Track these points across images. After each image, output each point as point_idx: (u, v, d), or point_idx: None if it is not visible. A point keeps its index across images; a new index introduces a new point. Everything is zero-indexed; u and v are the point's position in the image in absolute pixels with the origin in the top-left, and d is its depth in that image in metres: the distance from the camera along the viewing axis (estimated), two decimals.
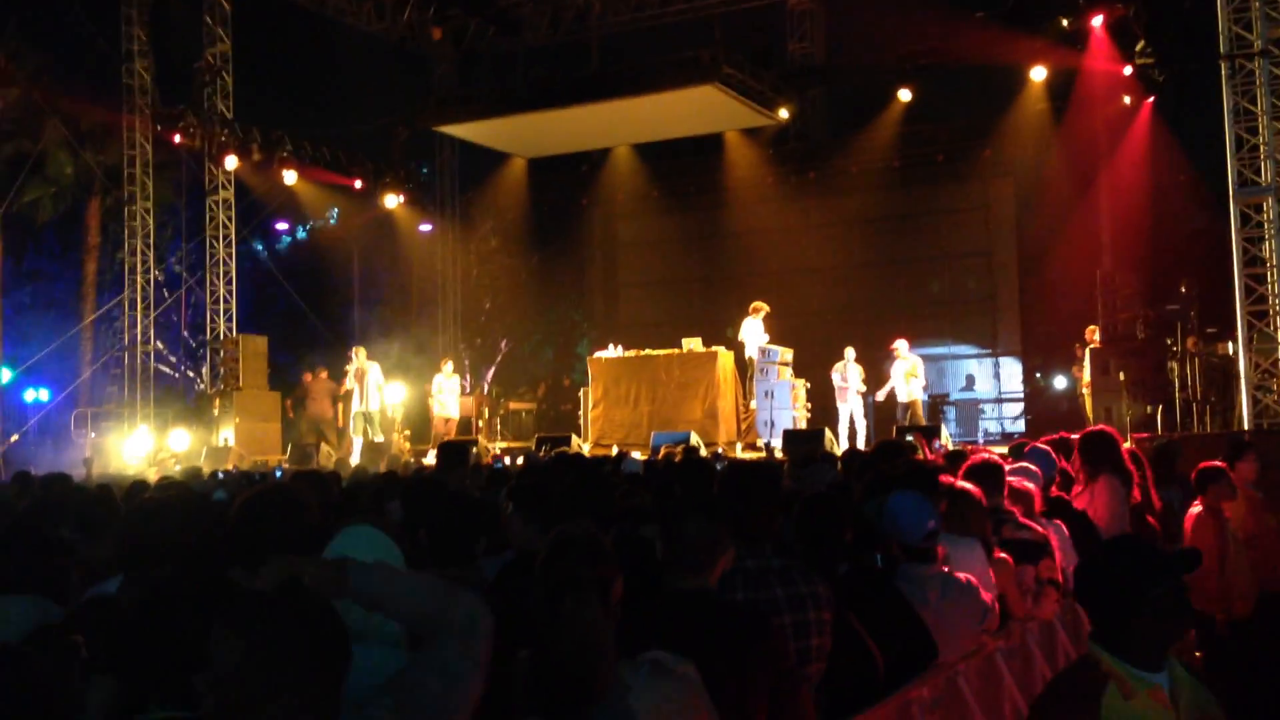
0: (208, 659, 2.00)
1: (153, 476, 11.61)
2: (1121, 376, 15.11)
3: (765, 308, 17.28)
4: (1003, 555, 5.15)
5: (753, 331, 17.11)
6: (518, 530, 4.34)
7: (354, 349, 18.64)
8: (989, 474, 5.63)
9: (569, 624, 2.64)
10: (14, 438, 19.53)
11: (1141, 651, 2.73)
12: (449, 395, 19.35)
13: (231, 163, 21.16)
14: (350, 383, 18.22)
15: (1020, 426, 21.06)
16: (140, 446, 19.34)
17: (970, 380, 21.97)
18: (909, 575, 4.33)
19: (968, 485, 5.27)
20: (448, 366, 19.65)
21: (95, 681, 2.62)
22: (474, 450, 15.70)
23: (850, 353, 17.39)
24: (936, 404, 19.87)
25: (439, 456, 8.16)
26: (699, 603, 3.23)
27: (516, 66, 22.37)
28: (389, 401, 20.18)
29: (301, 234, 26.05)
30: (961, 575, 4.52)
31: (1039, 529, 5.60)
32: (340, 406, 19.00)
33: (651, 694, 2.67)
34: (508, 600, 3.65)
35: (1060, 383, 21.47)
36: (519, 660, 2.71)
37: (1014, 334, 22.08)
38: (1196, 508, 7.07)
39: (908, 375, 17.25)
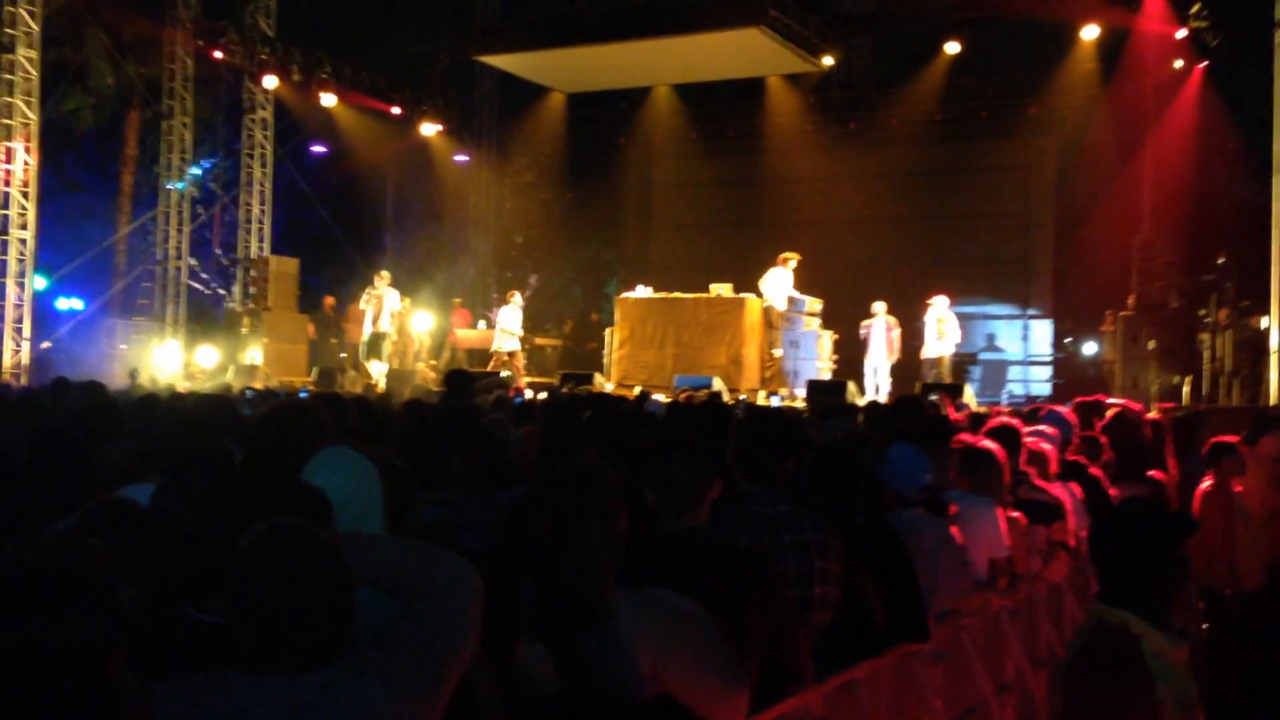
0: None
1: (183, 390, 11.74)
2: (1151, 345, 15.01)
3: (795, 257, 17.12)
4: (1015, 514, 5.17)
5: (779, 281, 16.98)
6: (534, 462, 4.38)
7: (379, 273, 18.51)
8: (1007, 438, 5.63)
9: (572, 551, 2.69)
10: (45, 344, 19.76)
11: (1157, 611, 2.79)
12: (512, 328, 18.85)
13: (271, 82, 21.15)
14: (364, 304, 18.10)
15: (1046, 390, 20.95)
16: (170, 360, 19.56)
17: (990, 339, 21.79)
18: (900, 519, 4.33)
19: (989, 444, 5.27)
20: (516, 298, 19.13)
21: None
22: (505, 385, 15.80)
23: (879, 306, 17.28)
24: (961, 363, 19.77)
25: (446, 384, 8.20)
26: (696, 543, 3.23)
27: None
28: (416, 330, 20.27)
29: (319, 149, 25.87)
30: (955, 531, 4.55)
31: (1054, 491, 5.61)
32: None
33: (643, 621, 2.72)
34: (521, 529, 3.71)
35: (1090, 348, 21.32)
36: (525, 587, 2.77)
37: (1046, 296, 21.89)
38: (1207, 483, 7.04)
39: (939, 331, 17.19)
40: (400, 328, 19.03)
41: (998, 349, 21.64)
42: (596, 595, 2.66)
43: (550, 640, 2.64)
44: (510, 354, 18.66)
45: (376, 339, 17.97)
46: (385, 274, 18.40)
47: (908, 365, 17.71)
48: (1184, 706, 2.71)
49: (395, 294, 18.28)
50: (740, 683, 2.84)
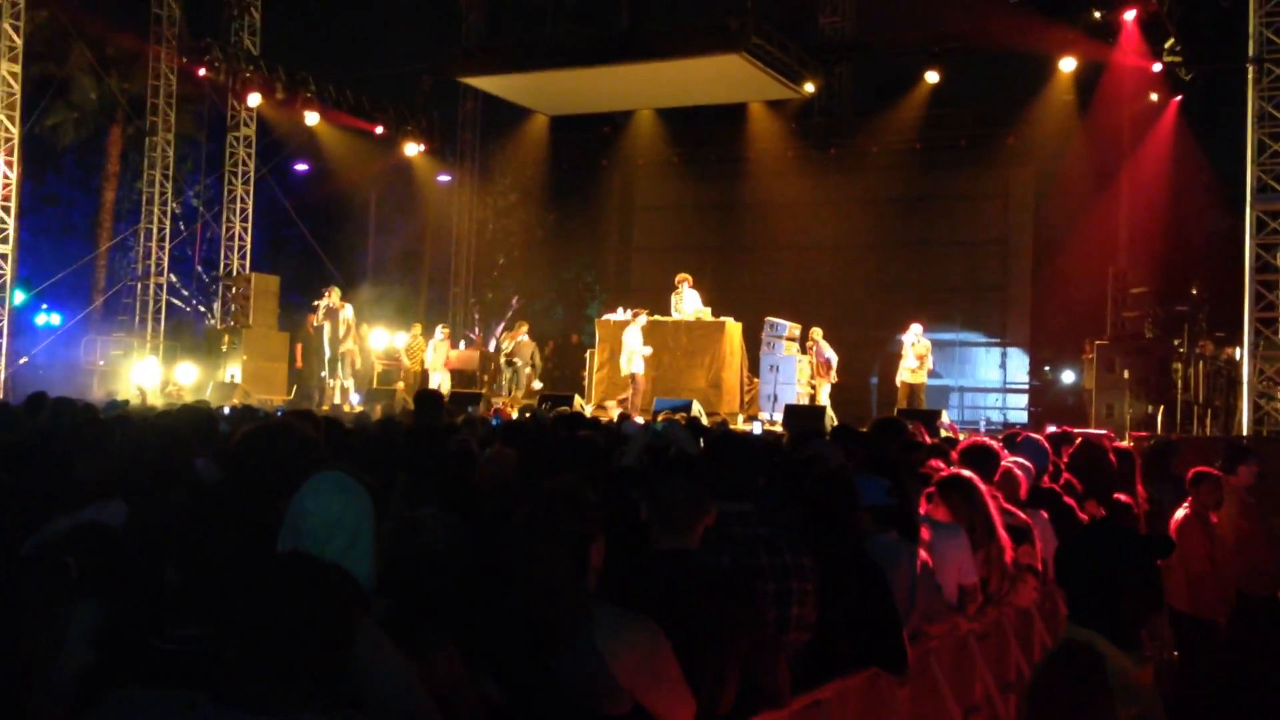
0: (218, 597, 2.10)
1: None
2: (1125, 375, 15.13)
3: (688, 278, 17.47)
4: (1003, 535, 5.19)
5: (691, 301, 17.27)
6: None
7: (328, 289, 17.97)
8: (983, 458, 5.67)
9: (533, 572, 2.73)
10: (23, 360, 19.64)
11: (1123, 632, 2.82)
12: (641, 349, 16.51)
13: (254, 100, 21.18)
14: (320, 320, 17.64)
15: (1023, 417, 21.07)
16: (149, 377, 19.47)
17: (961, 367, 21.81)
18: (877, 545, 4.36)
19: (967, 473, 5.29)
20: (641, 318, 16.80)
21: (83, 604, 2.66)
22: (479, 404, 15.80)
23: (816, 333, 17.52)
24: (935, 390, 19.84)
25: (415, 403, 8.14)
26: (680, 563, 3.27)
27: (546, 21, 22.25)
28: (396, 348, 20.21)
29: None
30: (925, 555, 4.59)
31: (1021, 515, 5.66)
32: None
33: (619, 634, 2.77)
34: (492, 549, 3.75)
35: (1068, 377, 21.45)
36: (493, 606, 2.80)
37: (1024, 325, 22.06)
38: (1181, 511, 7.10)
39: (917, 358, 17.28)
40: (364, 347, 18.81)
41: (936, 375, 21.68)
42: (553, 618, 2.70)
43: (506, 663, 2.65)
44: (634, 376, 16.58)
45: (344, 356, 17.71)
46: (335, 289, 17.99)
47: (882, 390, 17.78)
48: None
49: (349, 308, 18.01)
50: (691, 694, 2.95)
